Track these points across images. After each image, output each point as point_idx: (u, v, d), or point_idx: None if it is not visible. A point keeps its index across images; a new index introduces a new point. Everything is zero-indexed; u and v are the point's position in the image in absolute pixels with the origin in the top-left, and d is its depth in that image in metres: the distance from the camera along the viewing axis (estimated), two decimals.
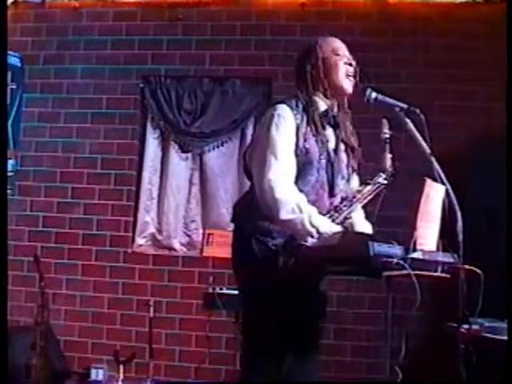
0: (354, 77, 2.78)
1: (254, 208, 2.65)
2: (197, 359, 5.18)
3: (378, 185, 2.75)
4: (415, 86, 5.18)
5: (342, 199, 2.76)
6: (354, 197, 2.74)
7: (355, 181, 2.90)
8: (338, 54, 2.79)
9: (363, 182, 2.80)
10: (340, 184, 2.78)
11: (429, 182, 2.50)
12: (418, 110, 2.66)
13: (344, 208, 2.71)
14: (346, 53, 2.82)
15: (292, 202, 2.54)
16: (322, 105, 2.77)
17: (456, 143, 4.89)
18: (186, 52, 5.70)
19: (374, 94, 2.76)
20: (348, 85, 2.77)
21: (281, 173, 2.58)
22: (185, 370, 5.37)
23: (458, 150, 4.81)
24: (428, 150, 2.61)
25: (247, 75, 5.65)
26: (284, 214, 2.53)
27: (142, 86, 5.77)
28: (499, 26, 4.72)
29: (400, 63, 5.37)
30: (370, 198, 2.75)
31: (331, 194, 2.75)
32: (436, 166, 2.58)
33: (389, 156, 2.77)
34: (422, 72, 5.31)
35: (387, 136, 2.76)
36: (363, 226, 2.84)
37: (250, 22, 5.64)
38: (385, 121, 2.77)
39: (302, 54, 2.84)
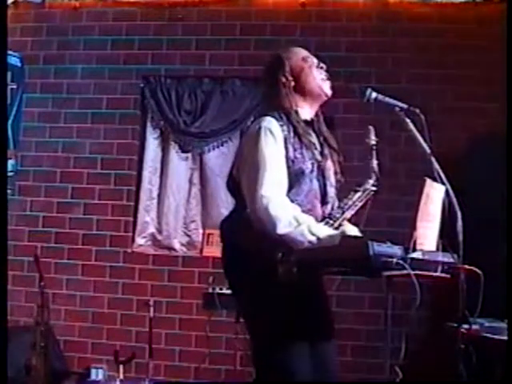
0: (329, 79, 2.79)
1: (245, 226, 2.61)
2: (197, 359, 5.18)
3: (366, 191, 2.76)
4: (415, 86, 5.18)
5: (333, 207, 2.77)
6: (346, 204, 2.75)
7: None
8: (307, 61, 2.80)
9: (352, 190, 2.79)
10: (330, 191, 2.78)
11: (429, 182, 2.50)
12: (418, 110, 2.66)
13: (337, 215, 2.72)
14: (315, 59, 2.82)
15: (288, 216, 2.52)
16: (303, 112, 2.77)
17: (456, 143, 4.89)
18: (185, 52, 5.71)
19: (373, 94, 2.76)
20: (326, 87, 2.79)
21: (273, 188, 2.55)
22: (185, 369, 5.37)
23: (458, 150, 4.81)
24: (428, 150, 2.61)
25: (247, 75, 5.65)
26: (281, 229, 2.50)
27: (142, 85, 5.77)
28: (499, 26, 4.72)
29: (400, 63, 5.38)
30: (360, 204, 2.76)
31: (323, 203, 2.75)
32: (436, 166, 2.58)
33: (375, 162, 2.77)
34: (421, 72, 5.32)
35: (373, 143, 2.76)
36: (354, 233, 2.83)
37: (250, 22, 5.65)
38: (371, 128, 2.78)
39: (269, 66, 2.83)
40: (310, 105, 2.79)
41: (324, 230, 2.55)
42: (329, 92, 2.80)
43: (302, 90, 2.77)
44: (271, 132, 2.63)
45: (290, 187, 2.62)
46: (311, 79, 2.77)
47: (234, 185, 2.79)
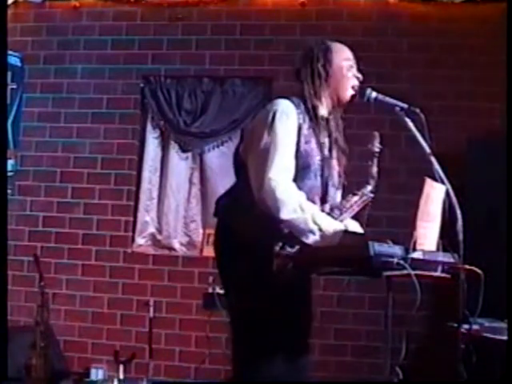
0: (357, 90, 2.76)
1: (243, 206, 2.60)
2: (197, 359, 5.18)
3: (365, 196, 2.76)
4: (415, 85, 5.18)
5: (332, 208, 2.76)
6: (344, 206, 2.75)
7: (338, 194, 2.87)
8: (350, 65, 2.77)
9: (351, 193, 2.79)
10: (331, 191, 2.78)
11: (429, 181, 2.50)
12: (418, 110, 2.66)
13: (335, 216, 2.70)
14: (355, 66, 2.79)
15: (294, 202, 2.51)
16: (322, 109, 2.74)
17: (456, 143, 4.89)
18: (186, 52, 5.70)
19: (374, 94, 2.76)
20: (349, 97, 2.77)
21: (282, 172, 2.54)
22: (185, 370, 5.37)
23: (458, 150, 4.81)
24: (428, 150, 2.61)
25: (247, 75, 5.65)
26: (286, 214, 2.50)
27: (142, 85, 5.77)
28: (499, 26, 4.72)
29: (400, 63, 5.38)
30: (357, 209, 2.76)
31: (323, 201, 2.74)
32: (436, 165, 2.58)
33: (375, 169, 2.76)
34: (421, 72, 5.32)
35: (377, 150, 2.76)
36: (355, 227, 2.83)
37: (250, 21, 5.65)
38: (376, 134, 2.77)
39: (313, 50, 2.78)
40: (330, 102, 2.76)
41: (327, 221, 2.55)
42: (348, 100, 2.76)
43: (329, 86, 2.74)
44: (288, 117, 2.61)
45: (295, 179, 2.59)
46: (343, 82, 2.74)
47: (238, 162, 2.76)
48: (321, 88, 2.73)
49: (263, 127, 2.61)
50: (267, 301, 2.55)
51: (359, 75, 2.78)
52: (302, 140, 2.63)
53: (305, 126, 2.65)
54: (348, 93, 2.75)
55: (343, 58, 2.78)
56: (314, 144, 2.67)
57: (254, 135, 2.67)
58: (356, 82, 2.76)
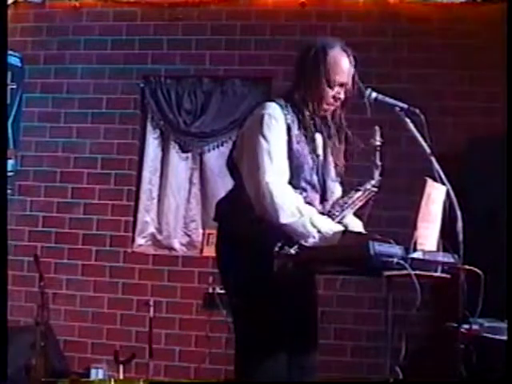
0: (343, 102, 2.72)
1: (243, 209, 2.60)
2: (197, 359, 5.18)
3: (367, 191, 2.75)
4: (415, 86, 5.18)
5: (334, 204, 2.75)
6: (346, 202, 2.74)
7: (338, 188, 2.86)
8: (331, 87, 2.67)
9: (353, 188, 2.78)
10: (330, 187, 2.77)
11: (430, 182, 2.50)
12: (418, 110, 2.66)
13: (336, 213, 2.70)
14: (346, 83, 2.70)
15: (292, 206, 2.51)
16: (311, 105, 2.70)
17: (456, 143, 4.90)
18: (186, 52, 5.71)
19: (374, 94, 2.75)
20: (329, 109, 2.72)
21: (277, 175, 2.54)
22: (185, 370, 5.37)
23: (458, 150, 4.81)
24: (428, 150, 2.61)
25: (247, 75, 5.66)
26: (284, 218, 2.49)
27: (142, 85, 5.77)
28: (499, 26, 4.72)
29: (400, 63, 5.38)
30: (360, 204, 2.75)
31: (323, 199, 2.74)
32: (436, 166, 2.58)
33: (379, 163, 2.75)
34: (422, 72, 5.32)
35: (378, 144, 2.74)
36: (357, 227, 2.83)
37: (250, 22, 5.65)
38: (377, 128, 2.76)
39: (307, 55, 2.73)
40: (316, 105, 2.71)
41: (326, 223, 2.55)
42: (328, 112, 2.72)
43: (312, 95, 2.69)
44: (276, 120, 2.60)
45: (290, 180, 2.59)
46: (323, 97, 2.68)
47: (232, 166, 2.77)
48: (309, 87, 2.68)
49: (252, 133, 2.62)
50: (269, 301, 2.55)
51: (341, 96, 2.69)
52: (294, 140, 2.63)
53: (294, 126, 2.64)
54: (327, 107, 2.71)
55: (332, 78, 2.67)
56: (305, 143, 2.67)
57: (244, 141, 2.67)
58: (337, 103, 2.70)
